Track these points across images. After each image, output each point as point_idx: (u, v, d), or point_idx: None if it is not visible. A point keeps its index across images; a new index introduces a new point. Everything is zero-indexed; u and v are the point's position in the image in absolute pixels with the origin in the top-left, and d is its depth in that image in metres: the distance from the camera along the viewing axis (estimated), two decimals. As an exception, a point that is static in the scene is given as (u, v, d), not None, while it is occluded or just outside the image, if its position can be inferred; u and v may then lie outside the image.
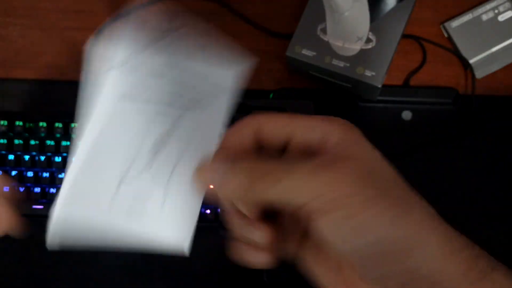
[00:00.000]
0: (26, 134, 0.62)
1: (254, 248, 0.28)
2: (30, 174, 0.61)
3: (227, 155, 0.27)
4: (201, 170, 0.28)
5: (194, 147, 0.29)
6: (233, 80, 0.30)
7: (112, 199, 0.26)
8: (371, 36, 0.59)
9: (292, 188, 0.24)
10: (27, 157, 0.61)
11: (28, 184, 0.61)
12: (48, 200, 0.61)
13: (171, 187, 0.28)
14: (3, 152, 0.61)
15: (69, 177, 0.26)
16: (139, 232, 0.26)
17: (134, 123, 0.27)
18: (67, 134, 0.61)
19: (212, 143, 0.29)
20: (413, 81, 0.65)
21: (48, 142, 0.61)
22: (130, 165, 0.26)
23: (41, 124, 0.61)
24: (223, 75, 0.30)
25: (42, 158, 0.61)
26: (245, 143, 0.28)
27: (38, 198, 0.61)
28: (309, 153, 0.27)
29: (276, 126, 0.28)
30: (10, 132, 0.61)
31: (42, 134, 0.61)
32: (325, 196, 0.24)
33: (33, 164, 0.61)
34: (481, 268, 0.25)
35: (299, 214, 0.25)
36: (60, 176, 0.61)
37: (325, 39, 0.60)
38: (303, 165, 0.25)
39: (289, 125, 0.28)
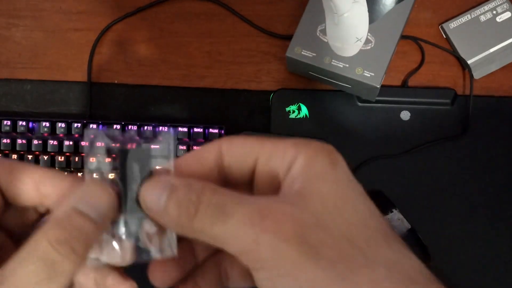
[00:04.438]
0: (29, 134, 0.62)
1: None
2: (33, 173, 0.62)
3: (166, 182, 0.24)
4: (142, 193, 0.24)
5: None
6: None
7: None
8: (370, 37, 0.60)
9: (224, 237, 0.22)
10: (30, 157, 0.62)
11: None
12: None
13: None
14: (7, 151, 0.62)
15: None
16: None
17: None
18: (70, 134, 0.62)
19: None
20: (411, 82, 0.66)
21: (51, 142, 0.62)
22: None
23: (44, 124, 0.62)
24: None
25: (45, 157, 0.62)
26: (204, 173, 0.25)
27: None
28: (275, 185, 0.24)
29: (239, 152, 0.25)
30: (13, 132, 0.62)
31: (45, 134, 0.62)
32: (251, 254, 0.22)
33: (36, 163, 0.62)
34: None
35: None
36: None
37: (325, 40, 0.60)
38: (241, 209, 0.22)
39: (253, 151, 0.25)
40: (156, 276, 0.26)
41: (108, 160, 0.25)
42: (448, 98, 0.64)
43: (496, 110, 0.64)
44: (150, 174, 0.25)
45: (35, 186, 0.26)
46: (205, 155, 0.26)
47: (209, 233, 0.23)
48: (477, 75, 0.65)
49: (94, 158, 0.25)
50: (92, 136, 0.25)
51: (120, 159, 0.25)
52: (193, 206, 0.23)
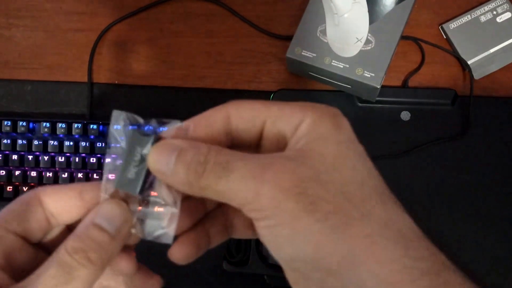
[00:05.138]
0: (30, 135, 0.62)
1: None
2: (33, 173, 0.62)
3: (174, 145, 0.25)
4: (151, 156, 0.26)
5: None
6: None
7: None
8: (370, 38, 0.60)
9: (227, 191, 0.23)
10: (30, 157, 0.62)
11: (32, 184, 0.62)
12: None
13: None
14: (7, 152, 0.62)
15: None
16: None
17: None
18: (70, 134, 0.62)
19: None
20: (411, 82, 0.66)
21: (51, 142, 0.62)
22: None
23: (44, 124, 0.62)
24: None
25: (46, 158, 0.62)
26: (211, 135, 0.26)
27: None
28: (281, 147, 0.25)
29: (246, 116, 0.26)
30: (13, 132, 0.62)
31: (46, 135, 0.62)
32: (253, 205, 0.23)
33: (37, 164, 0.62)
34: None
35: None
36: (63, 175, 0.62)
37: (325, 40, 0.60)
38: (243, 165, 0.23)
39: (261, 114, 0.26)
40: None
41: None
42: (448, 98, 0.64)
43: (497, 111, 0.64)
44: (157, 139, 0.26)
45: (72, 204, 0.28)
46: (213, 118, 0.26)
47: (214, 189, 0.24)
48: (477, 75, 0.65)
49: (113, 137, 0.27)
50: (117, 117, 0.27)
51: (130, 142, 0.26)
52: (201, 166, 0.24)
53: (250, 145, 0.27)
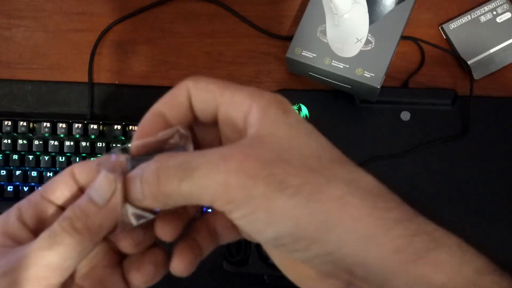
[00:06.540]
0: (30, 134, 0.63)
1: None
2: (34, 173, 0.62)
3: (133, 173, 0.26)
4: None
5: None
6: None
7: None
8: (370, 38, 0.60)
9: (194, 191, 0.23)
10: (31, 157, 0.62)
11: (32, 184, 0.62)
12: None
13: None
14: (8, 152, 0.62)
15: None
16: None
17: None
18: (71, 134, 0.62)
19: None
20: (411, 82, 0.66)
21: (52, 142, 0.62)
22: None
23: (44, 124, 0.62)
24: None
25: (46, 158, 0.62)
26: (180, 116, 0.28)
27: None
28: (236, 132, 0.26)
29: (202, 97, 0.27)
30: (14, 132, 0.62)
31: (46, 134, 0.62)
32: (224, 198, 0.23)
33: (37, 163, 0.62)
34: (417, 248, 0.23)
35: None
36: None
37: (325, 40, 0.60)
38: (205, 161, 0.23)
39: (215, 98, 0.26)
40: (163, 230, 0.28)
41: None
42: (448, 98, 0.64)
43: (496, 110, 0.64)
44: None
45: None
46: (178, 99, 0.27)
47: (179, 193, 0.24)
48: (477, 75, 0.65)
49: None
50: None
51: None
52: (154, 174, 0.24)
53: (211, 124, 0.28)
